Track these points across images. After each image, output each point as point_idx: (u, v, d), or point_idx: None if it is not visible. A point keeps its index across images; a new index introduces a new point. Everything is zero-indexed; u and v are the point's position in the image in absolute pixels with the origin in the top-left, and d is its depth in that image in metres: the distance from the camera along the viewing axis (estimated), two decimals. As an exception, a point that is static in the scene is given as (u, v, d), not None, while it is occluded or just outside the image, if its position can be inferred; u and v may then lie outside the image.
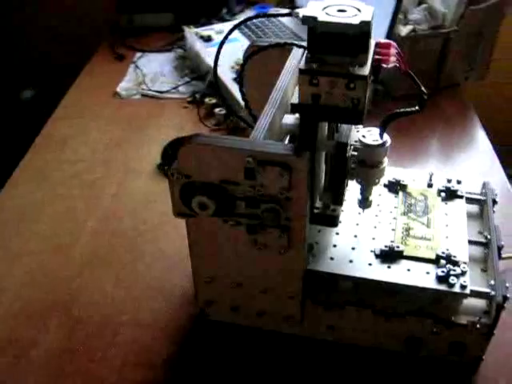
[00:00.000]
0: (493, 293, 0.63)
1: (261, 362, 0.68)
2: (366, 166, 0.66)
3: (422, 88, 0.60)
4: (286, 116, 0.64)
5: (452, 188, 0.75)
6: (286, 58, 0.74)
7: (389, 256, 0.67)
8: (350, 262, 0.66)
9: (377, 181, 0.67)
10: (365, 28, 0.55)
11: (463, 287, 0.63)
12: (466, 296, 0.64)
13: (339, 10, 0.57)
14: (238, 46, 1.21)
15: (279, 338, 0.70)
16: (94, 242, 0.84)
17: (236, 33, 1.27)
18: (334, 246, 0.68)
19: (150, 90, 1.18)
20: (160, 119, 1.11)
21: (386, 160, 0.66)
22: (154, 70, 1.24)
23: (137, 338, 0.70)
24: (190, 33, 1.26)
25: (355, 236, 0.70)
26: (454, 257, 0.66)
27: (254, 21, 1.30)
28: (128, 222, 0.87)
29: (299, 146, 0.57)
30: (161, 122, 1.11)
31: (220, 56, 1.12)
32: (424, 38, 1.06)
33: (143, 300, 0.75)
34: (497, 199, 0.75)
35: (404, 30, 1.05)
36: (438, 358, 0.67)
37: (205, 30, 1.28)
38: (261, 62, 0.74)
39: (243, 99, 0.72)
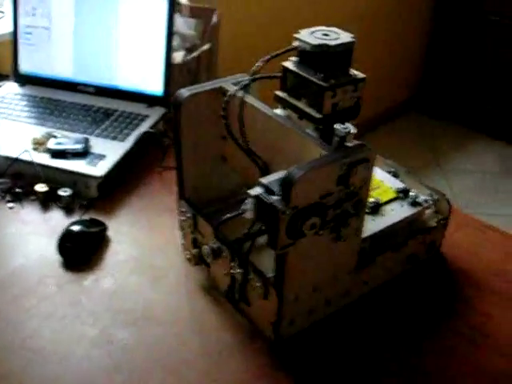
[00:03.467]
0: (436, 197, 0.88)
1: (345, 335, 0.78)
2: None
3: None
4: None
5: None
6: (216, 104, 0.80)
7: (375, 208, 0.84)
8: (361, 225, 0.81)
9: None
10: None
11: (426, 201, 0.86)
12: (429, 207, 0.87)
13: (324, 34, 0.70)
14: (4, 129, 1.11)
15: (339, 314, 0.80)
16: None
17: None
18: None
19: None
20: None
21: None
22: None
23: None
24: None
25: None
26: (404, 188, 0.88)
27: None
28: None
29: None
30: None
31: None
32: (193, 59, 1.20)
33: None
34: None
35: (178, 57, 1.16)
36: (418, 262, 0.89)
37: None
38: (193, 108, 0.79)
39: (244, 144, 0.74)
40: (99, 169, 1.00)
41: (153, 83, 1.18)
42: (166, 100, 1.18)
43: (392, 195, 0.87)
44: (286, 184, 0.62)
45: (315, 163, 0.64)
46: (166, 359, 0.74)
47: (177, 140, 0.81)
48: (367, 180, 0.69)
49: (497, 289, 0.87)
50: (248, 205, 0.67)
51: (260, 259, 0.76)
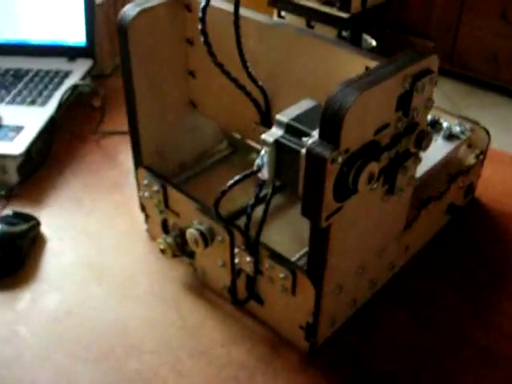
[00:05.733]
0: (469, 126, 0.65)
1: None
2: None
3: None
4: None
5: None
6: (175, 24, 0.53)
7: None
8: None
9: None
10: None
11: (463, 133, 0.63)
12: (467, 140, 0.64)
13: None
14: None
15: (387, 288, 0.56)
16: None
17: None
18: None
19: None
20: None
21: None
22: None
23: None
24: None
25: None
26: (433, 119, 0.64)
27: None
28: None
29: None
30: None
31: None
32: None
33: None
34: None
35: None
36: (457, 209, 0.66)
37: None
38: (147, 31, 0.51)
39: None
40: (17, 145, 0.70)
41: (72, 31, 0.88)
42: (90, 50, 0.88)
43: (420, 129, 0.63)
44: (333, 115, 0.36)
45: (370, 78, 0.38)
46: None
47: (127, 80, 0.53)
48: (431, 102, 0.44)
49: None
50: (263, 158, 0.41)
51: (269, 239, 0.51)
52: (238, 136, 0.66)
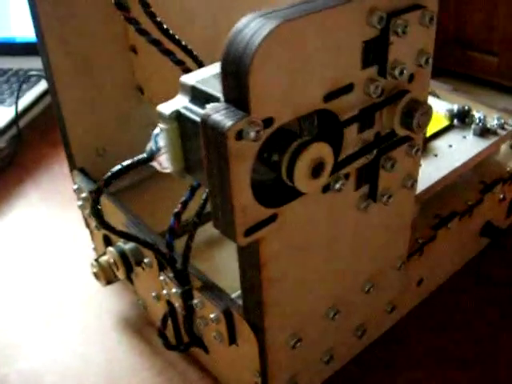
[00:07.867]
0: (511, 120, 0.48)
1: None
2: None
3: None
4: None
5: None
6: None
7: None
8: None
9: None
10: None
11: (502, 127, 0.46)
12: (508, 136, 0.47)
13: None
14: None
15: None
16: None
17: None
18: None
19: None
20: None
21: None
22: None
23: None
24: None
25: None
26: (462, 109, 0.48)
27: None
28: None
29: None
30: None
31: None
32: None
33: None
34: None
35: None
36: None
37: None
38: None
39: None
40: (-36, 147, 0.60)
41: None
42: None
43: (443, 122, 0.47)
44: (236, 60, 0.22)
45: (306, 5, 0.23)
46: None
47: (42, 51, 0.41)
48: (428, 57, 0.28)
49: None
50: (157, 140, 0.27)
51: (216, 267, 0.36)
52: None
